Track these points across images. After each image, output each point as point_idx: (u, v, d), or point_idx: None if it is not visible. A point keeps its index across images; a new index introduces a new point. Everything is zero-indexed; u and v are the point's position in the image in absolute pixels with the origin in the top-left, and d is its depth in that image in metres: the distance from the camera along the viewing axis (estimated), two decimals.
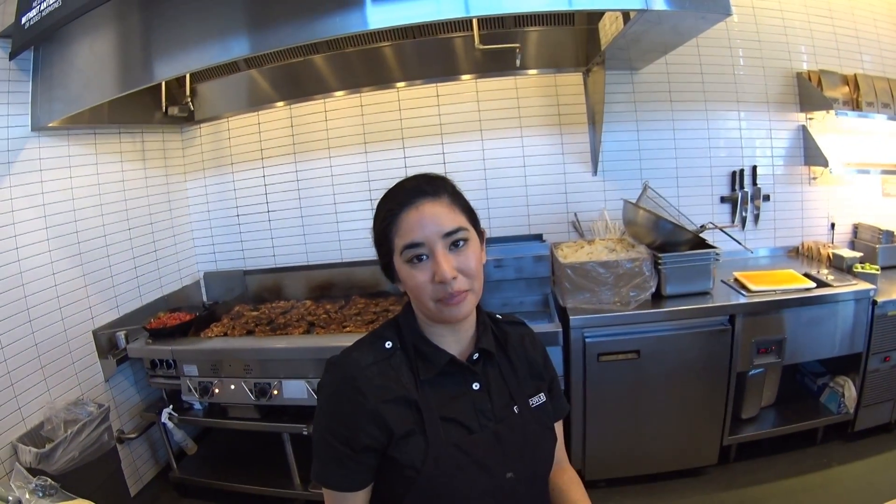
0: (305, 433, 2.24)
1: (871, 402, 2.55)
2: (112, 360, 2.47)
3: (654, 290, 2.30)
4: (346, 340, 2.11)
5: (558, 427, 1.06)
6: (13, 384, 2.03)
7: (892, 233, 2.72)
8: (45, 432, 2.12)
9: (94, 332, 2.43)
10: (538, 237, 2.47)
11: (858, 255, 2.65)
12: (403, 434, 0.88)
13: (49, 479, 1.40)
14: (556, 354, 2.20)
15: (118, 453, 2.41)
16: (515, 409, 0.96)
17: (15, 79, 2.06)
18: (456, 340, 0.95)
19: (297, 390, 2.24)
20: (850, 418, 2.56)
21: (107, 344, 2.48)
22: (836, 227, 2.86)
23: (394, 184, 0.92)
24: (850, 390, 2.58)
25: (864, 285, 2.45)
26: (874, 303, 2.43)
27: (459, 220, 0.88)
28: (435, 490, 0.87)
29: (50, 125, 2.12)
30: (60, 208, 2.26)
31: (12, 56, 2.00)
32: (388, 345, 0.93)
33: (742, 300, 2.34)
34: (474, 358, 0.95)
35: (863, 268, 2.61)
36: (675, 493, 2.44)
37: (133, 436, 2.52)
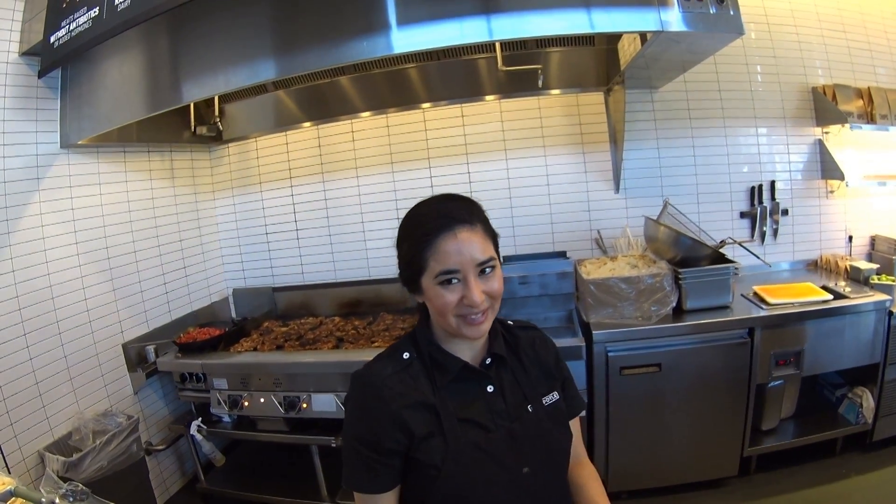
0: (334, 445, 2.29)
1: (888, 413, 2.57)
2: (141, 373, 2.53)
3: (674, 304, 2.34)
4: (374, 355, 2.16)
5: (574, 424, 1.12)
6: (41, 395, 2.09)
7: None
8: (72, 442, 2.18)
9: (124, 346, 2.49)
10: (562, 254, 2.52)
11: (875, 266, 2.68)
12: (424, 436, 0.94)
13: (80, 485, 1.44)
14: (579, 368, 2.24)
15: (146, 464, 2.46)
16: (530, 408, 1.02)
17: (43, 96, 2.12)
18: (469, 348, 1.02)
19: (326, 403, 2.29)
20: (868, 428, 2.58)
21: (136, 357, 2.54)
22: (853, 240, 2.89)
23: (422, 199, 0.96)
24: (868, 401, 2.60)
25: (880, 296, 2.47)
26: (890, 313, 2.45)
27: (490, 249, 0.94)
28: (455, 486, 0.94)
29: (79, 143, 2.17)
30: (90, 224, 2.32)
31: (41, 74, 2.05)
32: (406, 356, 1.00)
33: (761, 313, 2.37)
34: (487, 363, 1.02)
35: (879, 279, 2.63)
36: (697, 503, 2.47)
37: (161, 447, 2.57)
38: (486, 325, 0.96)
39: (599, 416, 2.34)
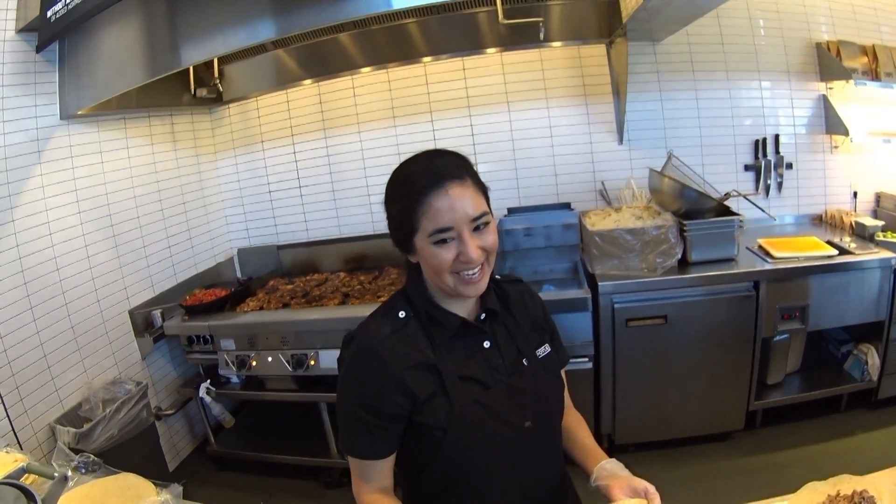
0: None
1: (894, 371, 2.57)
2: (149, 339, 2.53)
3: (679, 256, 2.34)
4: None
5: (563, 375, 1.13)
6: (50, 367, 2.09)
7: None
8: (82, 412, 2.18)
9: (130, 312, 2.49)
10: (566, 206, 2.52)
11: (881, 223, 2.66)
12: (427, 397, 0.94)
13: (92, 456, 1.44)
14: (585, 320, 2.25)
15: (156, 429, 2.47)
16: (525, 361, 1.03)
17: (41, 70, 2.10)
18: (464, 304, 1.01)
19: (333, 360, 2.26)
20: (873, 386, 2.58)
21: (143, 323, 2.54)
22: (858, 196, 2.87)
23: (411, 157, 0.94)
24: (873, 358, 2.60)
25: (886, 253, 2.46)
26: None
27: (482, 203, 0.93)
28: (462, 445, 0.94)
29: (79, 113, 2.16)
30: (92, 192, 2.31)
31: (39, 49, 2.03)
32: (402, 314, 0.99)
33: (766, 266, 2.37)
34: (482, 318, 1.02)
35: (885, 236, 2.62)
36: (703, 457, 2.48)
37: (171, 412, 2.58)
38: (484, 282, 0.95)
39: (606, 368, 2.35)
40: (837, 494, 0.97)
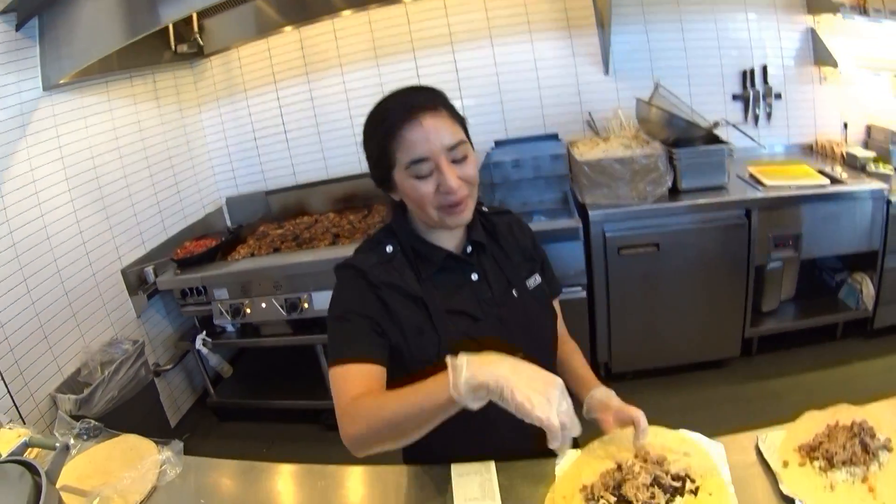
0: None
1: (889, 301, 2.57)
2: (143, 296, 2.53)
3: (670, 184, 2.33)
4: None
5: (555, 304, 1.13)
6: (47, 336, 2.09)
7: None
8: (82, 377, 2.18)
9: (123, 271, 2.49)
10: (554, 136, 2.51)
11: (872, 154, 2.65)
12: (415, 332, 0.93)
13: (92, 421, 1.43)
14: (577, 249, 2.25)
15: (156, 386, 2.48)
16: (514, 292, 1.02)
17: (22, 47, 2.08)
18: (450, 237, 1.00)
19: (326, 301, 2.28)
20: (868, 315, 2.59)
21: (136, 281, 2.54)
22: (848, 127, 2.85)
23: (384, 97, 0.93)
24: (867, 287, 2.61)
25: (878, 184, 2.45)
26: (889, 202, 2.44)
27: (459, 132, 0.92)
28: None
29: (61, 82, 2.14)
30: (78, 158, 2.29)
31: (19, 27, 2.01)
32: (389, 249, 0.98)
33: (758, 195, 2.36)
34: (468, 251, 1.01)
35: (876, 167, 2.61)
36: (700, 384, 2.50)
37: (169, 367, 2.59)
38: (468, 213, 0.94)
39: (600, 297, 2.35)
40: (836, 424, 0.96)
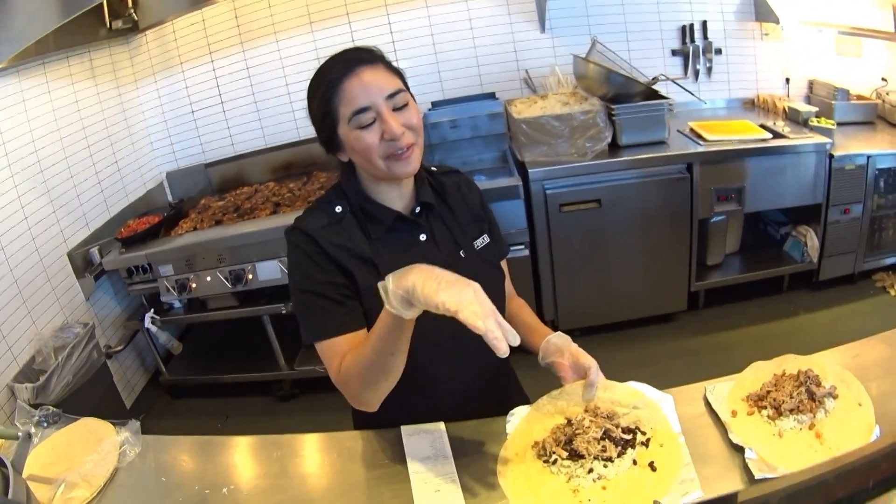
0: (284, 311, 2.30)
1: (833, 253, 2.63)
2: (90, 278, 2.49)
3: (609, 140, 2.35)
4: None
5: (504, 265, 1.15)
6: (0, 326, 2.04)
7: (848, 91, 2.74)
8: (37, 365, 2.14)
9: (69, 254, 2.44)
10: (491, 95, 2.51)
11: (814, 109, 2.69)
12: (367, 292, 0.94)
13: (51, 408, 1.42)
14: (517, 207, 2.26)
15: (109, 369, 2.45)
16: (462, 253, 1.04)
17: None
18: (399, 196, 1.01)
19: (271, 271, 2.29)
20: (814, 268, 2.65)
21: (82, 263, 2.50)
22: (790, 82, 2.89)
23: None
24: (812, 239, 2.66)
25: (820, 138, 2.49)
26: (831, 156, 2.48)
27: (397, 82, 0.93)
28: None
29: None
30: (20, 143, 2.24)
31: None
32: (338, 209, 0.99)
33: (699, 149, 2.39)
34: (417, 211, 1.02)
35: (818, 122, 2.65)
36: (649, 338, 2.54)
37: (120, 348, 2.56)
38: (416, 162, 0.95)
39: (543, 255, 2.37)
40: (783, 374, 0.98)
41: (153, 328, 2.50)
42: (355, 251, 0.96)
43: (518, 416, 1.00)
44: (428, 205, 1.03)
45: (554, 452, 0.88)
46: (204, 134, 2.66)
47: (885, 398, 0.97)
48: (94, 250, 2.53)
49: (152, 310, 2.49)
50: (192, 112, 2.65)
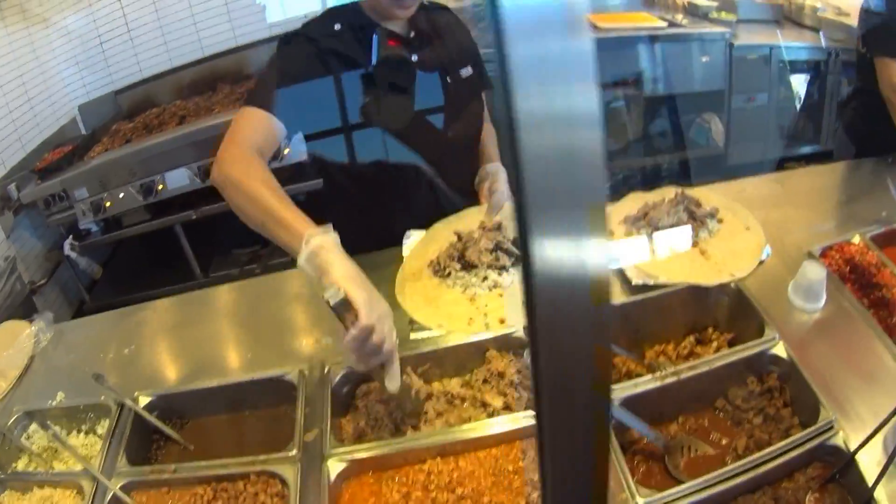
0: (195, 217, 2.35)
1: (739, 139, 2.72)
2: (9, 215, 2.51)
3: None
4: (217, 121, 2.23)
5: (485, 96, 1.27)
6: None
7: None
8: None
9: None
10: None
11: (715, 3, 2.78)
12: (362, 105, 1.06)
13: None
14: None
15: (35, 305, 2.46)
16: (448, 79, 1.16)
17: None
18: (395, 24, 1.11)
19: (180, 179, 2.34)
20: (721, 153, 2.74)
21: (0, 201, 2.52)
22: None
23: None
24: (717, 125, 2.76)
25: (719, 28, 2.60)
26: (731, 45, 2.58)
27: None
28: (389, 147, 1.08)
29: None
30: None
31: None
32: (338, 27, 1.08)
33: (595, 36, 2.49)
34: (411, 36, 1.13)
35: (719, 15, 2.75)
36: None
37: (43, 281, 2.57)
38: (413, 8, 1.07)
39: None
40: (662, 200, 1.05)
41: (73, 254, 2.52)
42: (352, 65, 1.06)
43: (413, 239, 1.06)
44: (421, 32, 1.14)
45: (448, 266, 0.93)
46: (112, 63, 2.70)
47: (774, 226, 1.02)
48: (11, 186, 2.54)
49: (71, 236, 2.52)
50: (101, 43, 2.68)
